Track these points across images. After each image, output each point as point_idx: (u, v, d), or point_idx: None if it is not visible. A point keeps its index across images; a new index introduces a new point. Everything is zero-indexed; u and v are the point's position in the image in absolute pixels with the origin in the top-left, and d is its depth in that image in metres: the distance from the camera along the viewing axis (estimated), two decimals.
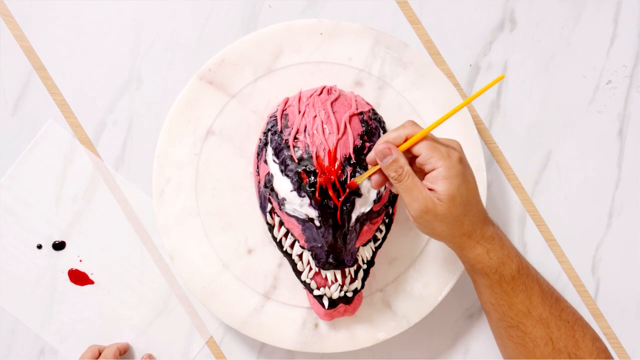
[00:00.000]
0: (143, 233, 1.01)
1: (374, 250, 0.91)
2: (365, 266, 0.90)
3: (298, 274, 0.91)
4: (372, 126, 0.89)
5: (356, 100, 0.90)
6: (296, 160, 0.86)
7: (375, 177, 0.82)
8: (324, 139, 0.86)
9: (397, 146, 0.79)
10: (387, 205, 0.91)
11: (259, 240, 0.96)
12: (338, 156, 0.85)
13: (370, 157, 0.83)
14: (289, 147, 0.87)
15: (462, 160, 0.79)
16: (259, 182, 0.92)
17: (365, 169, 0.86)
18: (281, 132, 0.88)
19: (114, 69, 1.00)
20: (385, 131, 0.91)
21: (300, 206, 0.86)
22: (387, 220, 0.92)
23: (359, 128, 0.88)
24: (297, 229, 0.88)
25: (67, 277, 1.01)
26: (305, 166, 0.85)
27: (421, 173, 0.80)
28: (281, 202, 0.87)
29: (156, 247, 1.01)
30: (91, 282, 1.01)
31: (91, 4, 1.00)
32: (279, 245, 0.91)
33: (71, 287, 1.01)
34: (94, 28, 1.00)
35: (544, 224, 1.03)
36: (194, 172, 0.95)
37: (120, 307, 1.02)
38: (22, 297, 1.01)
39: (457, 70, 1.02)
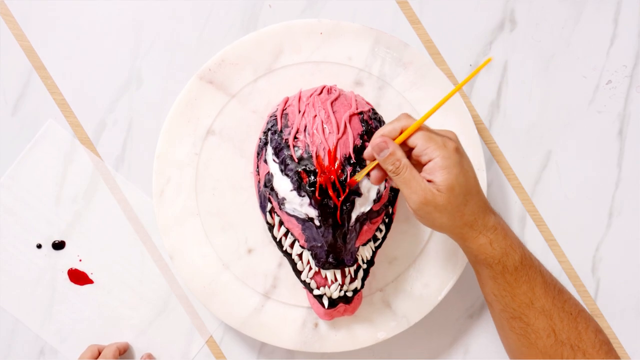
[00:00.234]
0: (143, 233, 1.01)
1: (374, 249, 0.91)
2: (365, 266, 0.90)
3: (298, 273, 0.91)
4: (372, 126, 0.89)
5: (356, 100, 0.90)
6: (296, 160, 0.86)
7: (375, 173, 0.82)
8: (324, 139, 0.86)
9: (393, 139, 0.80)
10: (387, 204, 0.91)
11: (259, 240, 0.96)
12: (338, 156, 0.85)
13: (367, 152, 0.83)
14: (289, 146, 0.87)
15: (459, 150, 0.79)
16: (258, 182, 0.92)
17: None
18: (281, 131, 0.88)
19: (114, 69, 1.00)
20: None
21: (300, 206, 0.86)
22: (387, 220, 0.92)
23: (359, 128, 0.88)
24: (297, 228, 0.88)
25: (66, 276, 1.01)
26: (305, 166, 0.85)
27: (419, 165, 0.80)
28: (281, 202, 0.87)
29: (156, 247, 1.01)
30: (91, 282, 1.01)
31: (91, 4, 1.00)
32: (279, 244, 0.91)
33: (71, 287, 1.01)
34: (94, 28, 1.00)
35: (544, 223, 1.03)
36: (194, 172, 0.95)
37: (120, 307, 1.02)
38: (22, 297, 1.01)
39: (457, 70, 1.02)
